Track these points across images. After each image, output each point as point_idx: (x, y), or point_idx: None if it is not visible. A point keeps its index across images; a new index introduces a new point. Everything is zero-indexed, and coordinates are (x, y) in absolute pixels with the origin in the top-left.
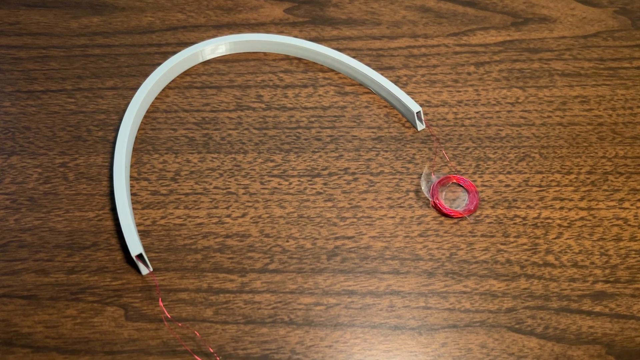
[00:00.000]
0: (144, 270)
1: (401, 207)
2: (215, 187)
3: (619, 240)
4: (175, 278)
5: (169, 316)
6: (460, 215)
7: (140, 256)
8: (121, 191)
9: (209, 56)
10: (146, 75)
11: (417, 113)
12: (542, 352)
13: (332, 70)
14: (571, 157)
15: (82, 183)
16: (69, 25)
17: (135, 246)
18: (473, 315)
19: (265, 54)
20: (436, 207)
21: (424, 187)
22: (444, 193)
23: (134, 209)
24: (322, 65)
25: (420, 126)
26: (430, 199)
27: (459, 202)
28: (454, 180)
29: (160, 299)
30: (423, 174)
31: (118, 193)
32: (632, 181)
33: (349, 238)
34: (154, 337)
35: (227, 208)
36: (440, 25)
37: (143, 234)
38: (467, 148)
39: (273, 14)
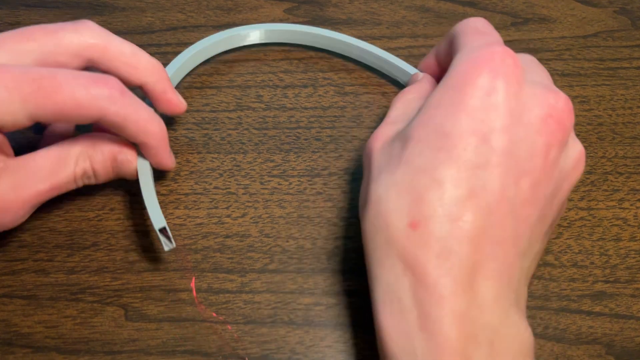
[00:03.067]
0: (167, 246)
1: None
2: (215, 187)
3: (619, 240)
4: (175, 278)
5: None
6: None
7: (163, 230)
8: (144, 167)
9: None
10: None
11: None
12: (541, 352)
13: (333, 71)
14: None
15: None
16: None
17: (158, 219)
18: None
19: (265, 54)
20: None
21: None
22: None
23: (134, 209)
24: (322, 66)
25: None
26: None
27: None
28: None
29: (193, 279)
30: None
31: (141, 168)
32: (632, 181)
33: (349, 238)
34: (154, 337)
35: (227, 208)
36: (440, 25)
37: (143, 234)
38: None
39: (273, 14)
